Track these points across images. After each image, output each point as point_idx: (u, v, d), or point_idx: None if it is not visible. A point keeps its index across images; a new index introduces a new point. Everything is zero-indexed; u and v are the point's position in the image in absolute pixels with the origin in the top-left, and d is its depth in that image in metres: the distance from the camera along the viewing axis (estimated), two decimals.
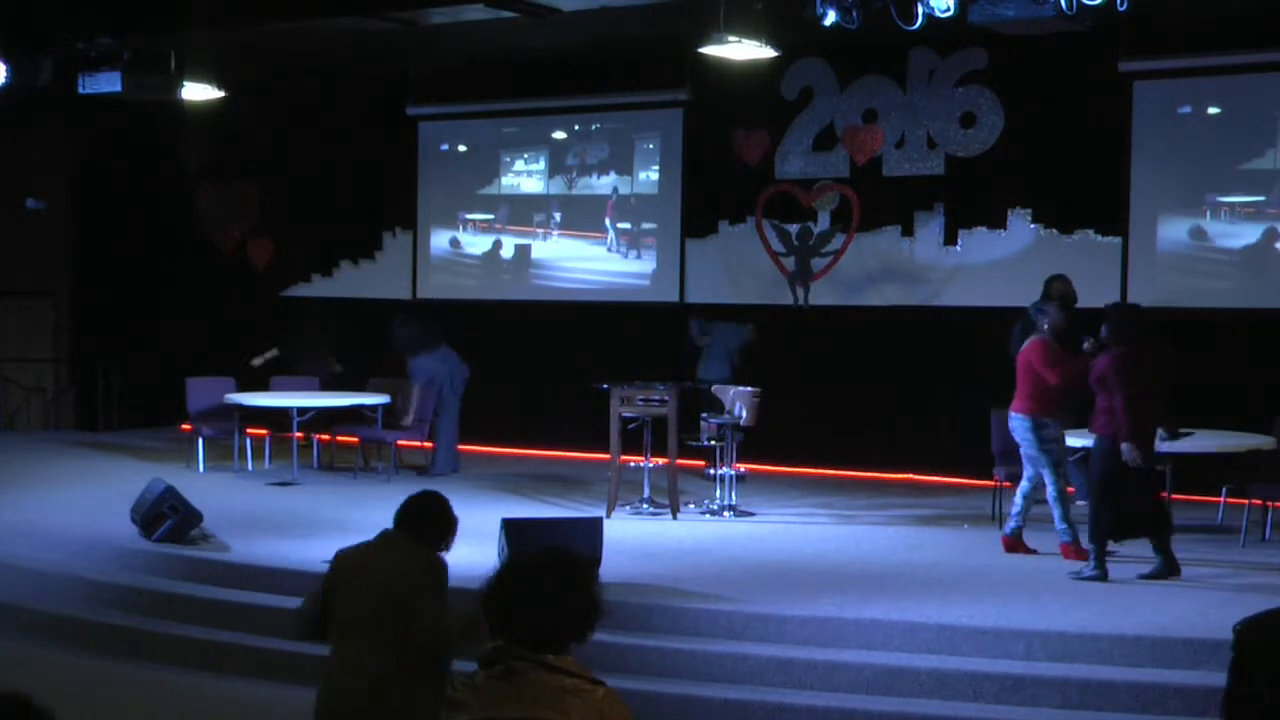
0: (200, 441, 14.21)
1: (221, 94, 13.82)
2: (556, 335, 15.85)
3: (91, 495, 12.55)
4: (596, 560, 8.66)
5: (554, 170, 16.24)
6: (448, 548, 5.65)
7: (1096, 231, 13.44)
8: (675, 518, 11.55)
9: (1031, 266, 13.58)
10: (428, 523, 5.55)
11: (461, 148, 16.90)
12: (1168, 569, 9.33)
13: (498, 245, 16.57)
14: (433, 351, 13.98)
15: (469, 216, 16.77)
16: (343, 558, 5.57)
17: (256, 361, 15.42)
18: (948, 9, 9.52)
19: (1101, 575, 9.30)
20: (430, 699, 4.65)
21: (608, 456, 11.86)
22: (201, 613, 9.44)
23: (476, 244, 16.73)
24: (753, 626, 8.37)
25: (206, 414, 14.39)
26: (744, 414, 11.80)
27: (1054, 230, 13.61)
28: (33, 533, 11.07)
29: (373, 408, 13.89)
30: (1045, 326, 9.97)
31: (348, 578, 5.47)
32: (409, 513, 5.56)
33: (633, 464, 11.94)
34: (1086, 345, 9.76)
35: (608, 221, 15.82)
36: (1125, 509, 9.30)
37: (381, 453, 14.26)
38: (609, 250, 15.85)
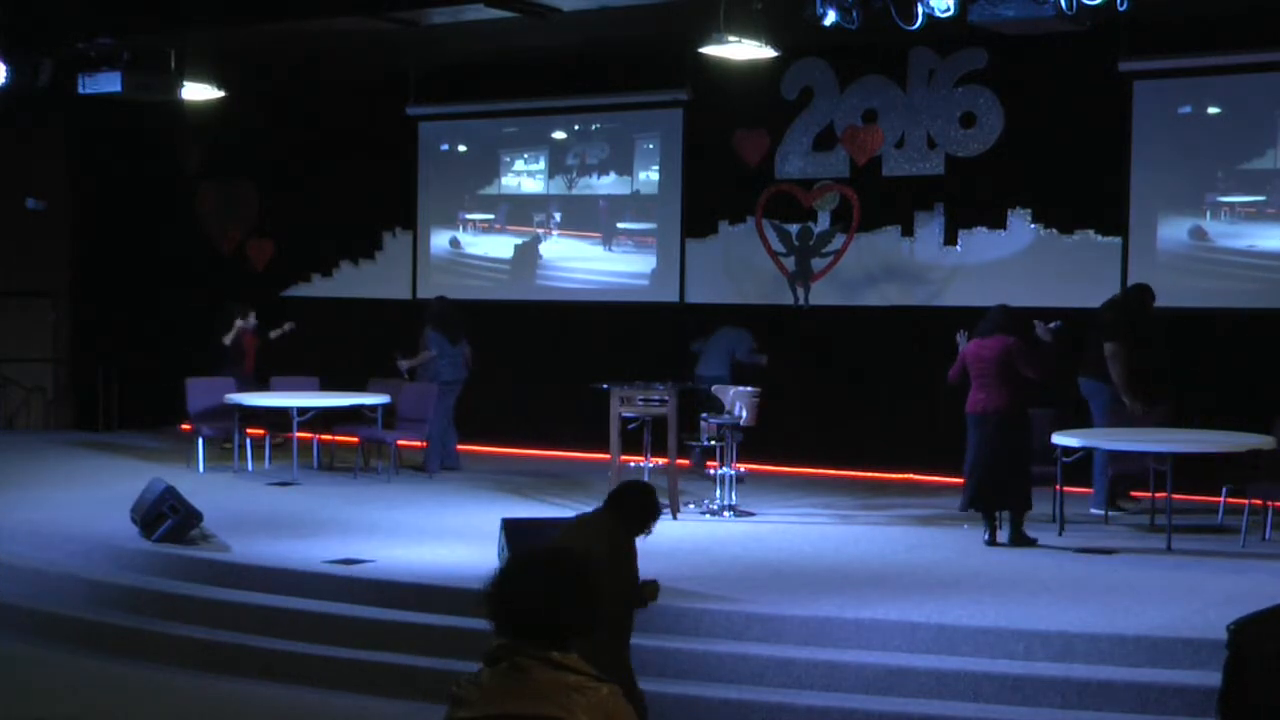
0: (200, 441, 14.22)
1: (221, 94, 13.84)
2: (556, 335, 15.85)
3: (91, 495, 12.54)
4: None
5: (554, 170, 16.24)
6: (648, 531, 6.67)
7: (1096, 231, 13.44)
8: (675, 518, 11.54)
9: (1031, 266, 13.63)
10: (631, 505, 6.46)
11: (461, 148, 16.90)
12: (1015, 541, 10.31)
13: (498, 245, 16.57)
14: (448, 341, 14.08)
15: (469, 216, 16.77)
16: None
17: (274, 334, 15.70)
18: (948, 9, 9.52)
19: (988, 541, 10.33)
20: (616, 648, 6.20)
21: (608, 456, 11.87)
22: (201, 613, 9.43)
23: (476, 244, 16.74)
24: (753, 626, 8.37)
25: (206, 414, 14.40)
26: (744, 414, 11.81)
27: (1054, 230, 13.62)
28: (33, 533, 11.05)
29: (373, 408, 13.90)
30: None
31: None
32: (617, 495, 6.55)
33: (633, 464, 11.94)
34: (1040, 330, 10.74)
35: (654, 225, 15.74)
36: (983, 480, 10.30)
37: (381, 452, 14.26)
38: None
